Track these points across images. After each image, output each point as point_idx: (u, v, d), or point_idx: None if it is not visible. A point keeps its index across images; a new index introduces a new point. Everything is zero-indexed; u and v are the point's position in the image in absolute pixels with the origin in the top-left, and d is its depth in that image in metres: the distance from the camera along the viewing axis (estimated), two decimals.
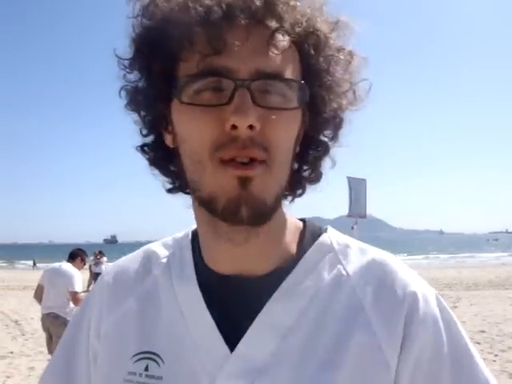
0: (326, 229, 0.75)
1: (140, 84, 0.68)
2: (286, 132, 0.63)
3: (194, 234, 0.77)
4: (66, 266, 5.93)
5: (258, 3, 0.60)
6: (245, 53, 0.59)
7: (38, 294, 5.95)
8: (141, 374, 0.67)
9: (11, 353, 7.91)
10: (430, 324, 0.65)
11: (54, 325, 5.64)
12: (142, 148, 0.73)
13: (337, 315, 0.65)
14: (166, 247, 0.79)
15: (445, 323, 0.66)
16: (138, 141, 0.74)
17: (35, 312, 12.40)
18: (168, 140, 0.69)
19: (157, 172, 0.74)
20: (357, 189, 10.85)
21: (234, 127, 0.58)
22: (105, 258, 16.46)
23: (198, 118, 0.60)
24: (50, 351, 5.81)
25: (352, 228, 10.11)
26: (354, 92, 0.70)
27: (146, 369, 0.68)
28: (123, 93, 0.71)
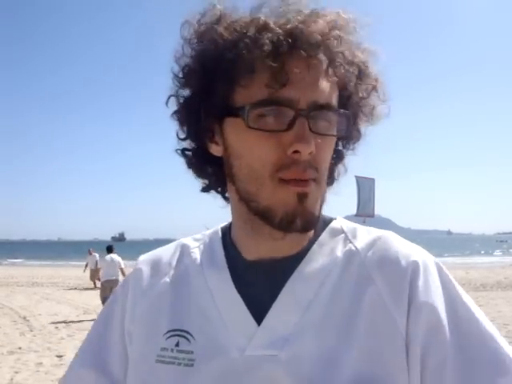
0: (336, 218, 0.84)
1: (192, 99, 0.75)
2: (329, 154, 0.72)
3: (223, 228, 0.86)
4: (114, 256, 11.29)
5: (316, 38, 0.66)
6: (304, 85, 0.67)
7: (97, 274, 11.63)
8: (172, 350, 0.74)
9: (19, 348, 7.98)
10: (432, 288, 0.70)
11: (116, 285, 8.85)
12: (183, 152, 0.81)
13: (350, 286, 0.73)
14: (197, 240, 0.87)
15: (447, 286, 0.72)
16: (174, 144, 0.81)
17: (43, 308, 12.54)
18: (214, 149, 0.77)
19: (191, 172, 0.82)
20: (365, 188, 10.84)
21: (296, 152, 0.66)
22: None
23: (260, 141, 0.68)
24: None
25: None
26: (375, 110, 0.77)
27: (177, 345, 0.74)
28: (171, 102, 0.78)
